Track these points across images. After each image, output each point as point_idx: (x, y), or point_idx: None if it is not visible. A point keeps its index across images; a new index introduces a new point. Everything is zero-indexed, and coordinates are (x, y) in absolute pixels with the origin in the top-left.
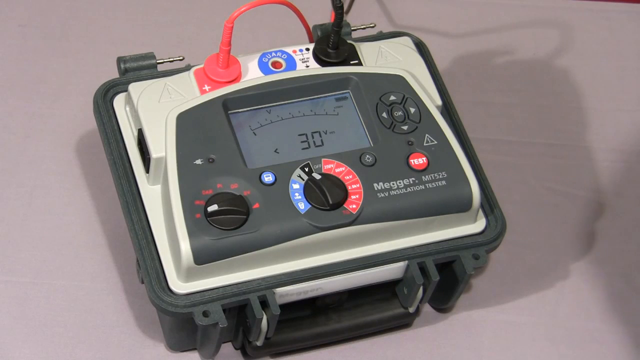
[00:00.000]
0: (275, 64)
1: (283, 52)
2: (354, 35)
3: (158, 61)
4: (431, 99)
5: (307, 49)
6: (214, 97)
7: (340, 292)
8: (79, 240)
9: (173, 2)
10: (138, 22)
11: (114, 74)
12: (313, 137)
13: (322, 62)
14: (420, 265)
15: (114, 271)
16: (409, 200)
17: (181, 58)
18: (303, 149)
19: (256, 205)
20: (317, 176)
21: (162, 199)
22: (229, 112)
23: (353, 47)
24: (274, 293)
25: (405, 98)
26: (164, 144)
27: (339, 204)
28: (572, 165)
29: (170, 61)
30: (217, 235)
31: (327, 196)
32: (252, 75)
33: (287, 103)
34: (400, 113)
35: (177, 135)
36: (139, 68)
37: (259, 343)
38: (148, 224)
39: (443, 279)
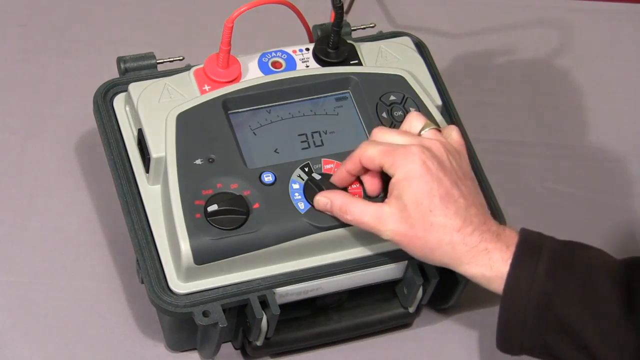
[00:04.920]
0: (275, 64)
1: (283, 52)
2: (354, 35)
3: (158, 61)
4: (431, 99)
5: (307, 49)
6: (214, 97)
7: (340, 292)
8: (79, 240)
9: (173, 2)
10: (138, 22)
11: (114, 74)
12: (313, 137)
13: (322, 62)
14: (420, 265)
15: (114, 271)
16: None
17: (181, 58)
18: (303, 149)
19: (256, 205)
20: (317, 176)
21: (162, 199)
22: (229, 112)
23: (353, 47)
24: (274, 293)
25: (405, 98)
26: (163, 144)
27: None
28: (572, 165)
29: (170, 61)
30: (217, 235)
31: None
32: (252, 75)
33: (287, 103)
34: (400, 113)
35: (177, 135)
36: (139, 68)
37: (259, 343)
38: (148, 224)
39: (443, 279)
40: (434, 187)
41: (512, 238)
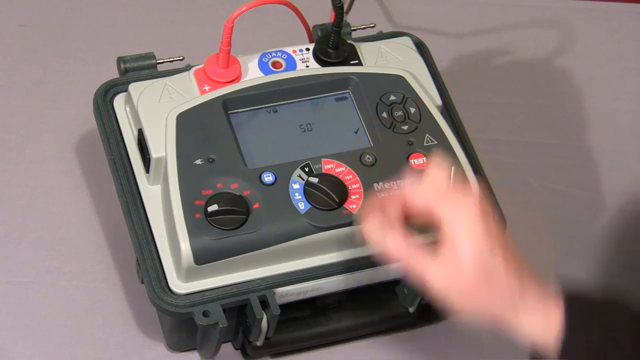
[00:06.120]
0: (275, 64)
1: (283, 52)
2: (354, 35)
3: (158, 61)
4: (431, 99)
5: (307, 49)
6: (214, 97)
7: (340, 292)
8: (79, 240)
9: (173, 2)
10: (138, 22)
11: (114, 74)
12: (313, 138)
13: (322, 62)
14: None
15: (114, 271)
16: None
17: (181, 58)
18: (303, 149)
19: (256, 205)
20: (317, 177)
21: (162, 199)
22: (229, 112)
23: (353, 47)
24: (274, 293)
25: (405, 98)
26: (164, 144)
27: (339, 204)
28: (572, 165)
29: (170, 61)
30: (217, 235)
31: (327, 196)
32: (252, 75)
33: (287, 103)
34: (400, 113)
35: (177, 135)
36: (139, 68)
37: (259, 343)
38: (148, 224)
39: None
40: (489, 243)
41: (557, 299)
